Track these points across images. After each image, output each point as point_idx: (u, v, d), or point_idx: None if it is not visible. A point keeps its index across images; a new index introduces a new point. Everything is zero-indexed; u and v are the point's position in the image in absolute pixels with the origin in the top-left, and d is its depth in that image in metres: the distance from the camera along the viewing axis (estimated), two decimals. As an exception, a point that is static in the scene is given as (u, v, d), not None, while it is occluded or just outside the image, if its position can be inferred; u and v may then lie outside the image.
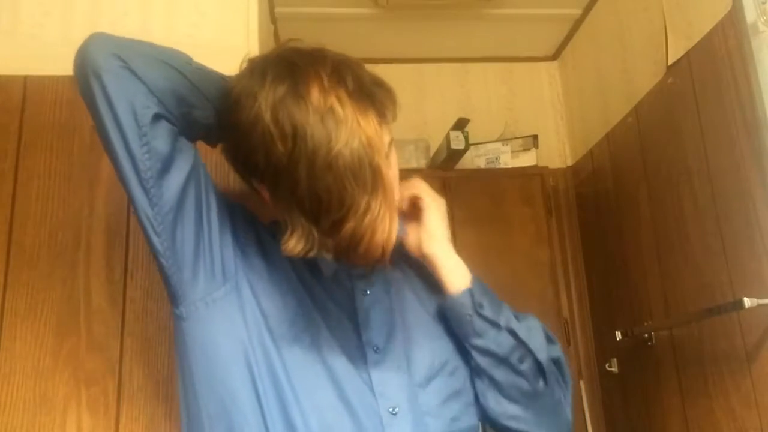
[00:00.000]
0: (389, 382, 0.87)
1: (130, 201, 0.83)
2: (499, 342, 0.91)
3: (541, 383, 0.93)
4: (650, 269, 1.84)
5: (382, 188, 0.75)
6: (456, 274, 0.94)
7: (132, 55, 0.79)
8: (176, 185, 0.82)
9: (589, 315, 2.32)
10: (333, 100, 0.75)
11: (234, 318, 0.85)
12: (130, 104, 0.78)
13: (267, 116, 0.75)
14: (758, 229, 1.36)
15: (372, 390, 0.85)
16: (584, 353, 2.31)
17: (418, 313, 0.95)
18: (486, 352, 0.92)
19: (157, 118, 0.79)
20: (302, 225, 0.77)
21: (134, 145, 0.79)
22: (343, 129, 0.74)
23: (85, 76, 0.79)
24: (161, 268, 0.85)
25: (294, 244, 0.78)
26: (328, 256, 0.79)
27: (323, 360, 0.85)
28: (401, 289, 0.97)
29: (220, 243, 0.86)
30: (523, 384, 0.92)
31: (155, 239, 0.82)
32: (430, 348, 0.92)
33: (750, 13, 1.35)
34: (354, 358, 0.87)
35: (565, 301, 2.32)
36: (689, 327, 1.65)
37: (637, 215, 1.91)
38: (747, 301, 1.31)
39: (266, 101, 0.75)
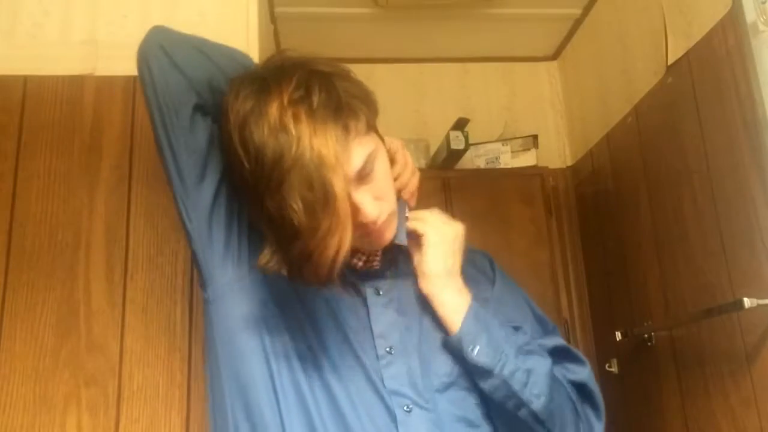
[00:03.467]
0: (402, 381, 0.87)
1: (169, 187, 0.88)
2: (493, 388, 0.87)
3: (541, 430, 0.89)
4: (650, 269, 1.84)
5: (333, 206, 0.74)
6: (448, 312, 0.91)
7: (177, 48, 0.86)
8: (212, 177, 0.87)
9: (589, 315, 2.31)
10: (288, 118, 0.74)
11: (255, 306, 0.87)
12: (171, 97, 0.85)
13: (235, 136, 0.77)
14: (758, 229, 1.36)
15: (385, 388, 0.86)
16: (584, 354, 2.26)
17: (436, 319, 0.93)
18: (485, 393, 0.89)
19: (195, 109, 0.86)
20: (270, 241, 0.80)
21: (173, 135, 0.86)
22: (294, 147, 0.73)
23: (139, 65, 0.88)
24: (193, 253, 0.89)
25: (265, 259, 0.80)
26: (284, 272, 0.79)
27: (337, 356, 0.86)
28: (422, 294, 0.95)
29: (249, 235, 0.89)
30: (523, 428, 0.89)
31: (189, 225, 0.88)
32: (446, 355, 0.91)
33: (750, 13, 1.35)
34: (368, 356, 0.88)
35: (565, 301, 2.32)
36: (689, 327, 1.64)
37: (637, 215, 1.91)
38: (747, 302, 1.31)
39: (236, 119, 0.77)
